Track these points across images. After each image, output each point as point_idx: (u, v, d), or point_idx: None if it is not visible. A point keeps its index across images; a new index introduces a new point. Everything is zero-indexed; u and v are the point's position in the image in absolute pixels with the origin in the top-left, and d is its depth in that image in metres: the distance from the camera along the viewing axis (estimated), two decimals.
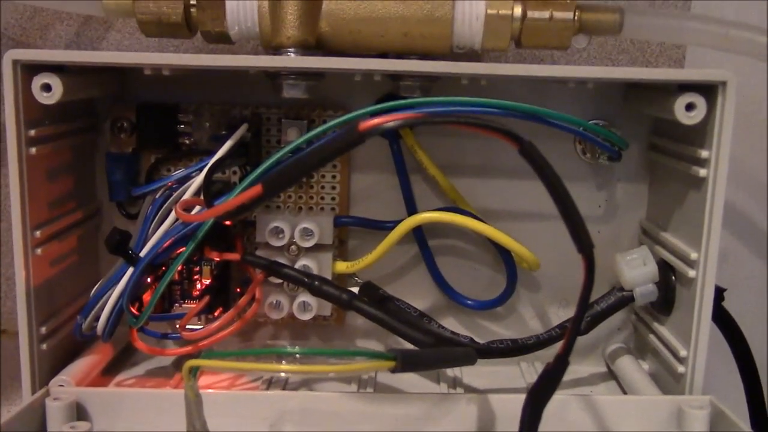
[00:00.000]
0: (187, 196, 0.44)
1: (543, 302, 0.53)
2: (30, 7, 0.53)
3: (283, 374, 0.33)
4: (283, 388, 0.47)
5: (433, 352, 0.41)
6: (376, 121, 0.32)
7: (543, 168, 0.33)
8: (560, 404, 0.43)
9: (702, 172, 0.43)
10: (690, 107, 0.42)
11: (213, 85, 0.50)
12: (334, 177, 0.51)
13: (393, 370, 0.33)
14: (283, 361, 0.32)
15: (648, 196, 0.52)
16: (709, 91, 0.42)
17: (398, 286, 0.52)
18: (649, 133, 0.51)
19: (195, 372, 0.33)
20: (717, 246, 0.43)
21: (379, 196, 0.51)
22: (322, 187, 0.51)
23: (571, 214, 0.33)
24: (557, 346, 0.41)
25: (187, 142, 0.50)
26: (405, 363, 0.34)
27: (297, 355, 0.33)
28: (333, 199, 0.51)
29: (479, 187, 0.51)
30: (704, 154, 0.43)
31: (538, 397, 0.35)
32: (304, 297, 0.49)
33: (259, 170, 0.39)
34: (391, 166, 0.51)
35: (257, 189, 0.34)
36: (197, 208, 0.43)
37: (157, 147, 0.50)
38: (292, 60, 0.42)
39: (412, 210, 0.51)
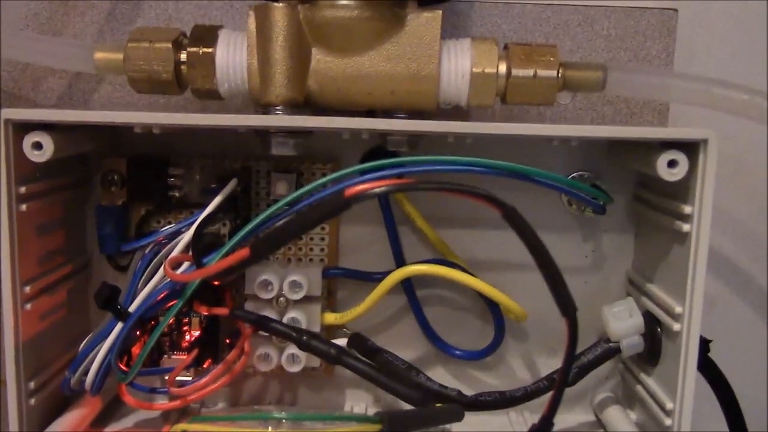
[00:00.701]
0: (176, 252, 0.45)
1: (531, 352, 0.54)
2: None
3: None
4: None
5: (419, 412, 0.41)
6: (361, 188, 0.33)
7: (526, 233, 0.34)
8: None
9: (685, 227, 0.43)
10: (672, 164, 0.43)
11: (203, 139, 0.50)
12: (323, 228, 0.51)
13: None
14: (270, 427, 0.33)
15: (634, 247, 0.52)
16: (691, 147, 0.43)
17: (387, 336, 0.52)
18: (635, 184, 0.51)
19: None
20: (701, 300, 0.43)
21: (368, 248, 0.52)
22: (311, 239, 0.51)
23: (554, 278, 0.34)
24: (546, 397, 0.42)
25: (178, 195, 0.50)
26: (392, 425, 0.34)
27: (284, 421, 0.33)
28: (322, 250, 0.51)
29: (467, 238, 0.52)
30: (687, 209, 0.43)
31: None
32: (293, 349, 0.49)
33: (246, 229, 0.40)
34: (380, 218, 0.51)
35: (245, 252, 0.34)
36: (186, 264, 0.44)
37: (147, 200, 0.50)
38: (280, 119, 0.43)
39: (400, 261, 0.51)
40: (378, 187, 0.33)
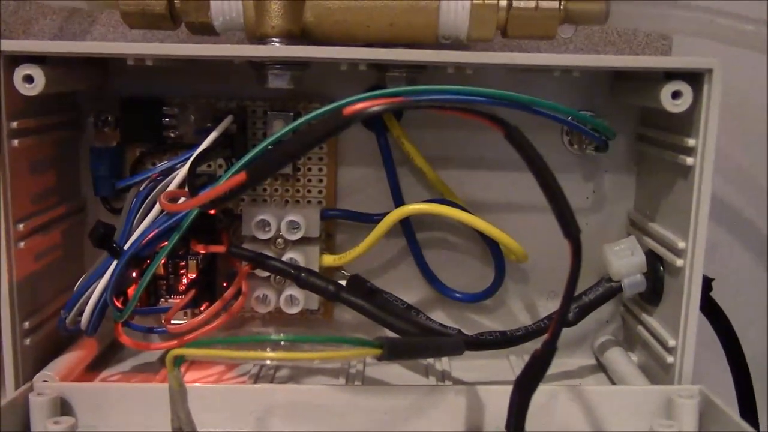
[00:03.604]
0: (171, 188, 0.44)
1: (531, 295, 0.53)
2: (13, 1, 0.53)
3: (269, 362, 0.33)
4: (271, 382, 0.46)
5: (420, 341, 0.40)
6: (360, 105, 0.32)
7: (529, 153, 0.33)
8: (549, 395, 0.43)
9: (689, 160, 0.43)
10: (676, 95, 0.42)
11: (198, 78, 0.49)
12: (320, 170, 0.50)
13: (380, 358, 0.33)
14: (268, 349, 0.32)
15: (635, 187, 0.52)
16: (695, 79, 0.42)
17: (386, 279, 0.52)
18: (636, 123, 0.51)
19: (179, 362, 0.33)
20: (705, 234, 0.43)
21: (367, 189, 0.51)
22: (309, 180, 0.50)
23: (558, 200, 0.33)
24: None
25: (172, 135, 0.49)
26: (391, 351, 0.33)
27: (282, 343, 0.33)
28: (320, 192, 0.50)
29: (466, 179, 0.51)
30: (691, 142, 0.43)
31: (525, 384, 0.35)
32: (291, 290, 0.48)
33: (244, 160, 0.39)
34: (378, 160, 0.50)
35: (241, 176, 0.34)
36: (182, 199, 0.43)
37: (141, 141, 0.50)
38: (277, 49, 0.42)
39: (399, 203, 0.50)
40: (378, 104, 0.32)
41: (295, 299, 0.48)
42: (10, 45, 0.41)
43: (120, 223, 0.45)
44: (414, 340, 0.41)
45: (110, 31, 0.54)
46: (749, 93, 0.58)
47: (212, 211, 0.41)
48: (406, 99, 0.34)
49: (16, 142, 0.43)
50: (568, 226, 0.33)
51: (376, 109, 0.32)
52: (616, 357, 0.50)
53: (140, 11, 0.44)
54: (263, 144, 0.40)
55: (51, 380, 0.44)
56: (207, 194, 0.35)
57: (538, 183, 0.33)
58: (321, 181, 0.50)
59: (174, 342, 0.46)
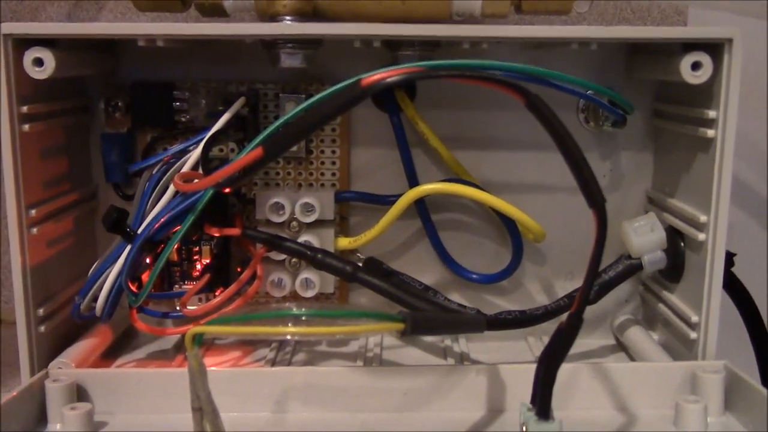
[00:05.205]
0: (185, 170, 0.43)
1: (548, 276, 0.52)
2: None
3: (290, 337, 0.32)
4: (288, 365, 0.46)
5: (442, 316, 0.40)
6: (378, 76, 0.32)
7: (551, 121, 0.32)
8: (571, 373, 0.42)
9: (710, 132, 0.42)
10: (696, 66, 0.41)
11: (208, 62, 0.49)
12: (333, 152, 0.50)
13: (403, 332, 0.32)
14: (290, 324, 0.31)
15: (653, 164, 0.51)
16: (714, 50, 0.41)
17: (402, 261, 0.51)
18: (653, 100, 0.50)
19: (199, 339, 0.32)
20: (727, 207, 0.42)
21: (381, 171, 0.51)
22: (322, 163, 0.50)
23: (581, 168, 0.32)
24: (566, 317, 0.40)
25: (183, 119, 0.49)
26: (414, 325, 0.33)
27: (303, 318, 0.32)
28: (333, 174, 0.50)
29: (481, 160, 0.51)
30: (711, 114, 0.42)
31: (551, 359, 0.34)
32: (307, 274, 0.48)
33: (259, 138, 0.38)
34: (392, 141, 0.50)
35: (258, 151, 0.33)
36: (196, 181, 0.42)
37: (152, 125, 0.49)
38: (290, 26, 0.42)
39: (414, 184, 0.49)
40: (396, 75, 0.31)
41: (311, 282, 0.48)
42: (20, 27, 0.41)
43: (133, 207, 0.45)
44: (435, 315, 0.40)
45: (118, 17, 0.54)
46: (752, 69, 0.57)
47: (227, 190, 0.41)
48: (423, 68, 0.33)
49: (26, 127, 0.42)
50: (592, 195, 0.32)
51: (394, 78, 0.31)
52: (637, 335, 0.49)
53: None
54: (277, 123, 0.39)
55: (66, 367, 0.43)
56: (223, 171, 0.35)
57: (561, 151, 0.33)
58: (334, 163, 0.50)
59: (189, 327, 0.45)
